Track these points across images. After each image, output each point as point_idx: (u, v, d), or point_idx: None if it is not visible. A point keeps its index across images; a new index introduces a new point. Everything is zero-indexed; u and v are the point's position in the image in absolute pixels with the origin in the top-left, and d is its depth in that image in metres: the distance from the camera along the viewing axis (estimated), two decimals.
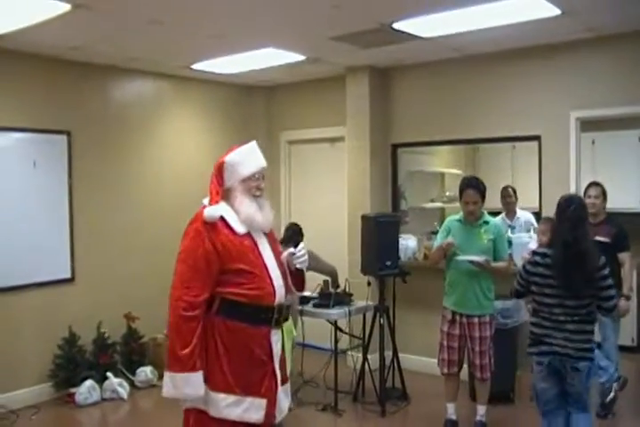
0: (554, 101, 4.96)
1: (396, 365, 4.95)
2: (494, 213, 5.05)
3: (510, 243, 4.85)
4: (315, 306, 4.87)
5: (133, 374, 5.37)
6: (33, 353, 5.01)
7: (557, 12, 4.05)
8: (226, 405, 2.70)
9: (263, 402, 2.75)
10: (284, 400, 2.88)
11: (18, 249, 4.95)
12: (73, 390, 5.00)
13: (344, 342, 5.31)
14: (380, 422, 4.62)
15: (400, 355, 5.04)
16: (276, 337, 2.84)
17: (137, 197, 5.77)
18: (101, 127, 5.53)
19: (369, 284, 4.97)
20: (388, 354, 4.92)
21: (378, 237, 4.65)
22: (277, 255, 2.93)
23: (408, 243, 5.60)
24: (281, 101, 6.82)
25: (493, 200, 5.32)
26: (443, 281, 4.37)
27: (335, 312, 4.78)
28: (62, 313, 5.16)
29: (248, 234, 2.81)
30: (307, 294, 5.03)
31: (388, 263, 4.67)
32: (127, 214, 5.66)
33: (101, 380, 5.12)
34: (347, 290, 5.00)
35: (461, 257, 4.16)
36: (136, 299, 5.53)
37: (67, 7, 3.77)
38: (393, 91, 5.91)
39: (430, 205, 6.49)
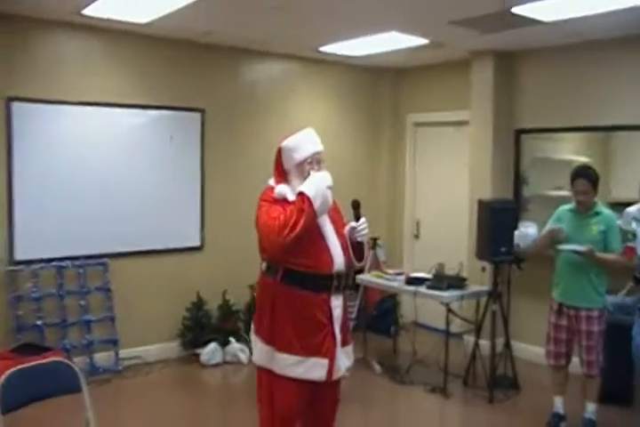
0: None
1: (508, 352, 4.91)
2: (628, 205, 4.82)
3: (635, 235, 4.63)
4: (428, 288, 4.93)
5: None
6: (165, 313, 5.49)
7: None
8: (289, 364, 2.94)
9: (324, 362, 2.97)
10: (342, 360, 3.08)
11: (155, 217, 5.43)
12: (198, 350, 5.44)
13: (457, 325, 5.37)
14: (486, 409, 4.63)
15: (514, 343, 5.01)
16: (336, 302, 3.02)
17: (263, 172, 6.04)
18: (232, 106, 5.87)
19: (483, 269, 4.96)
20: (501, 341, 4.90)
21: (492, 222, 4.63)
22: (338, 227, 3.09)
23: (528, 230, 5.45)
24: (408, 84, 6.88)
25: (630, 191, 5.07)
26: (553, 271, 4.29)
27: (447, 295, 4.82)
28: (192, 279, 5.59)
29: None
30: (421, 275, 5.15)
31: (503, 249, 4.63)
32: (254, 188, 5.92)
33: (224, 344, 5.50)
34: (460, 274, 5.03)
35: (563, 246, 4.06)
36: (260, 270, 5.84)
37: None
38: (517, 75, 5.79)
39: (555, 192, 6.24)
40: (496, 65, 5.71)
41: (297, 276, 2.94)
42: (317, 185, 2.91)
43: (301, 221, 2.82)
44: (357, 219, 3.14)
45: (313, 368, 2.95)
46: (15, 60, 4.75)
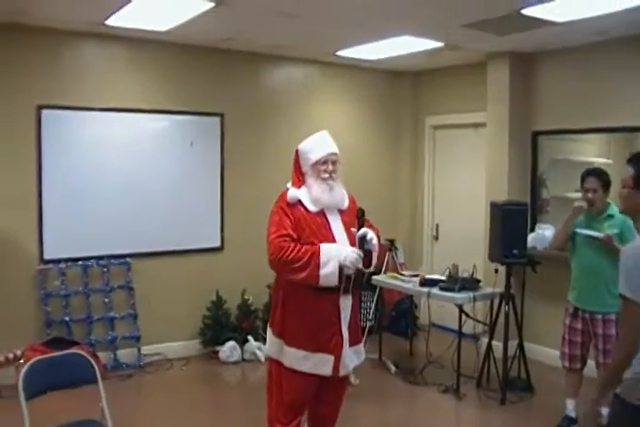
0: None
1: (521, 355, 4.91)
2: None
3: None
4: (441, 289, 4.98)
5: None
6: (186, 312, 5.66)
7: None
8: (297, 358, 3.10)
9: (331, 358, 3.10)
10: (350, 358, 3.20)
11: (177, 219, 5.61)
12: (218, 348, 5.59)
13: (472, 326, 5.40)
14: (498, 411, 4.64)
15: (528, 345, 5.01)
16: (345, 303, 3.14)
17: (282, 174, 6.16)
18: (251, 109, 6.01)
19: (496, 271, 4.98)
20: (514, 343, 4.90)
21: (504, 224, 4.65)
22: (349, 231, 3.20)
23: (545, 233, 5.48)
24: (426, 87, 6.93)
25: None
26: (568, 274, 4.30)
27: (460, 296, 4.85)
28: (212, 278, 5.75)
29: (321, 212, 3.16)
30: (436, 276, 5.21)
31: (515, 252, 4.64)
32: (273, 190, 6.04)
33: (243, 342, 5.65)
34: (474, 275, 5.07)
35: (582, 230, 4.06)
36: None
37: (210, 4, 4.21)
38: (534, 77, 5.78)
39: (574, 194, 6.22)
40: (512, 66, 5.71)
41: None
42: (336, 255, 3.01)
43: (302, 275, 2.99)
44: (360, 227, 3.23)
45: (320, 363, 3.09)
46: (44, 70, 5.00)
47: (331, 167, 3.19)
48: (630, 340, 2.29)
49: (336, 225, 3.17)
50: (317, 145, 3.23)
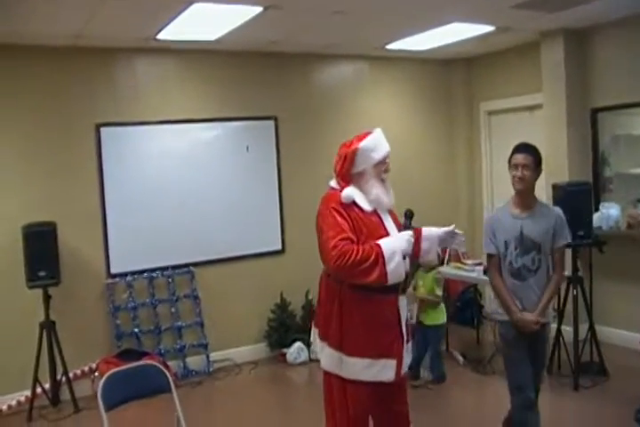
0: None
1: (592, 338, 4.77)
2: None
3: None
4: None
5: None
6: (252, 316, 5.72)
7: None
8: (360, 368, 2.95)
9: (393, 362, 2.98)
10: (407, 358, 3.11)
11: (237, 225, 5.67)
12: (284, 350, 5.62)
13: None
14: (571, 396, 4.53)
15: (600, 328, 4.86)
16: (402, 302, 3.05)
17: None
18: (304, 110, 6.02)
19: None
20: (585, 327, 4.76)
21: (568, 206, 4.47)
22: (400, 229, 3.11)
23: (610, 212, 5.29)
24: (478, 72, 6.81)
25: None
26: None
27: None
28: (275, 281, 5.79)
29: (375, 212, 3.03)
30: None
31: (581, 233, 4.50)
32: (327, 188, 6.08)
33: (309, 342, 5.63)
34: None
35: None
36: None
37: (259, 9, 4.24)
38: (591, 52, 5.59)
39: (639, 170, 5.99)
40: (567, 43, 5.55)
41: None
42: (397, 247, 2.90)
43: (372, 276, 2.83)
44: (405, 229, 3.13)
45: (383, 370, 2.98)
46: (100, 89, 5.14)
47: (389, 167, 3.12)
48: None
49: (389, 224, 3.09)
50: (379, 144, 3.09)
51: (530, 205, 3.44)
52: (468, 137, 6.97)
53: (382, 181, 3.08)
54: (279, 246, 5.91)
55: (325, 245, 2.90)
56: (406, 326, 3.11)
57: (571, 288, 4.67)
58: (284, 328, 5.68)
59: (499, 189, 6.75)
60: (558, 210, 3.54)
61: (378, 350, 2.97)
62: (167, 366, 4.83)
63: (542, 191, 5.67)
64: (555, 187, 4.79)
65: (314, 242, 5.85)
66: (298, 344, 5.60)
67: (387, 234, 3.01)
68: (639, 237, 4.10)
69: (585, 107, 5.64)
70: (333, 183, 3.12)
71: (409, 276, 3.08)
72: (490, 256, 3.48)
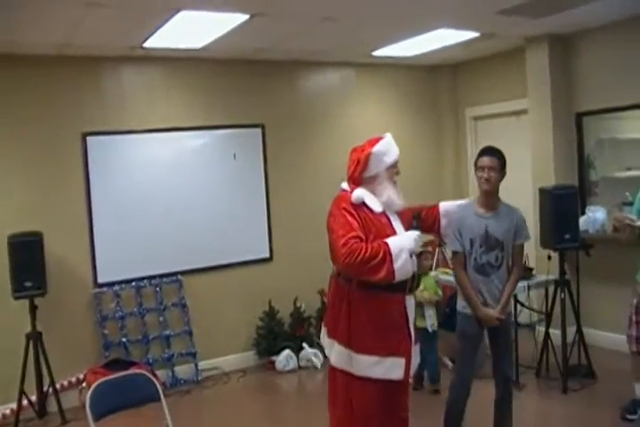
0: None
1: (580, 341, 4.80)
2: None
3: None
4: None
5: None
6: (240, 324, 5.69)
7: None
8: (369, 365, 3.01)
9: (402, 361, 3.04)
10: (415, 358, 3.16)
11: (224, 233, 5.64)
12: (273, 358, 5.60)
13: (528, 315, 5.28)
14: (560, 399, 4.54)
15: (587, 331, 4.90)
16: (410, 302, 3.12)
17: (325, 180, 6.14)
18: (291, 117, 6.02)
19: (549, 257, 4.86)
20: (573, 330, 4.79)
21: (554, 209, 4.55)
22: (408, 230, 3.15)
23: (596, 215, 5.34)
24: (464, 78, 6.87)
25: None
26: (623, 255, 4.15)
27: None
28: (263, 289, 5.76)
29: (383, 213, 3.12)
30: None
31: (567, 236, 4.55)
32: (316, 196, 6.04)
33: (298, 350, 5.64)
34: (527, 264, 4.94)
35: None
36: (328, 276, 5.93)
37: (246, 17, 4.25)
38: (575, 58, 5.65)
39: (625, 174, 6.03)
40: (551, 49, 5.61)
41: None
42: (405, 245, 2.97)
43: (381, 273, 2.89)
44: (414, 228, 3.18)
45: (392, 368, 3.03)
46: (87, 98, 5.11)
47: (399, 170, 3.23)
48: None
49: (397, 225, 3.16)
50: (391, 148, 3.20)
51: (494, 206, 3.60)
52: (454, 142, 7.01)
53: (394, 183, 3.19)
54: (267, 254, 5.90)
55: (336, 243, 2.98)
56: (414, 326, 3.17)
57: (558, 291, 4.69)
58: (272, 336, 5.65)
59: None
60: (519, 211, 3.69)
61: (386, 348, 3.03)
62: (155, 376, 4.81)
63: (529, 195, 5.74)
64: (541, 191, 4.84)
65: (302, 250, 5.93)
66: (287, 352, 5.58)
67: (394, 234, 3.08)
68: (625, 240, 4.12)
69: (570, 111, 5.70)
70: (345, 185, 3.21)
71: (416, 275, 3.12)
72: (455, 253, 3.63)
